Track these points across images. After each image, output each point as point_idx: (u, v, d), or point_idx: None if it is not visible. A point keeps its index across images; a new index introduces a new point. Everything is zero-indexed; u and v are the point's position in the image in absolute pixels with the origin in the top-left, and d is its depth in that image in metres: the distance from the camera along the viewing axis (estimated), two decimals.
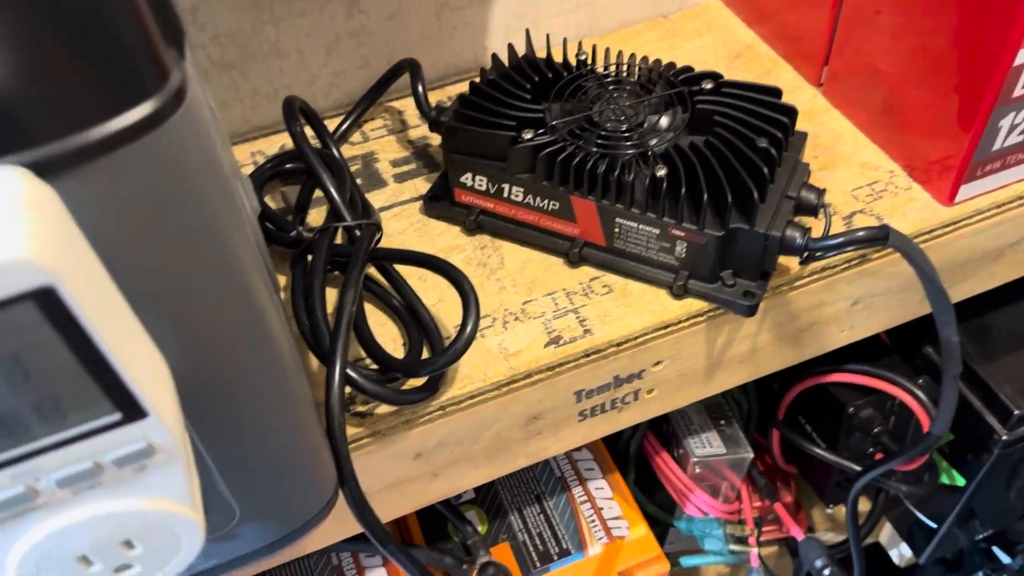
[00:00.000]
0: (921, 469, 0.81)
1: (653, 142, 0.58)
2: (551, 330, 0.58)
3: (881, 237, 0.55)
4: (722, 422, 0.76)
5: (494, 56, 0.64)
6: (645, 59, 0.63)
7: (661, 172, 0.55)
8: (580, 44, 0.64)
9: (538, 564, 0.70)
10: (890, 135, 0.67)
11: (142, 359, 0.25)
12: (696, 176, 0.55)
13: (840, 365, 0.75)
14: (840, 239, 0.55)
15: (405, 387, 0.55)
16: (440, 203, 0.64)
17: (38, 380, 0.24)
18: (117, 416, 0.26)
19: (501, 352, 0.57)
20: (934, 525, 0.86)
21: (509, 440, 0.60)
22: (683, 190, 0.55)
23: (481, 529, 0.73)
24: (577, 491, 0.74)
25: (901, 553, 0.96)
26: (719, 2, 0.81)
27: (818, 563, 0.70)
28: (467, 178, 0.61)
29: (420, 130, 0.72)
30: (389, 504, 0.60)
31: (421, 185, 0.68)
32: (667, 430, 0.78)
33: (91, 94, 0.25)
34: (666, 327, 0.58)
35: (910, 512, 0.89)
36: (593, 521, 0.72)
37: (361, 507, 0.46)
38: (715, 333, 0.61)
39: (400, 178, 0.69)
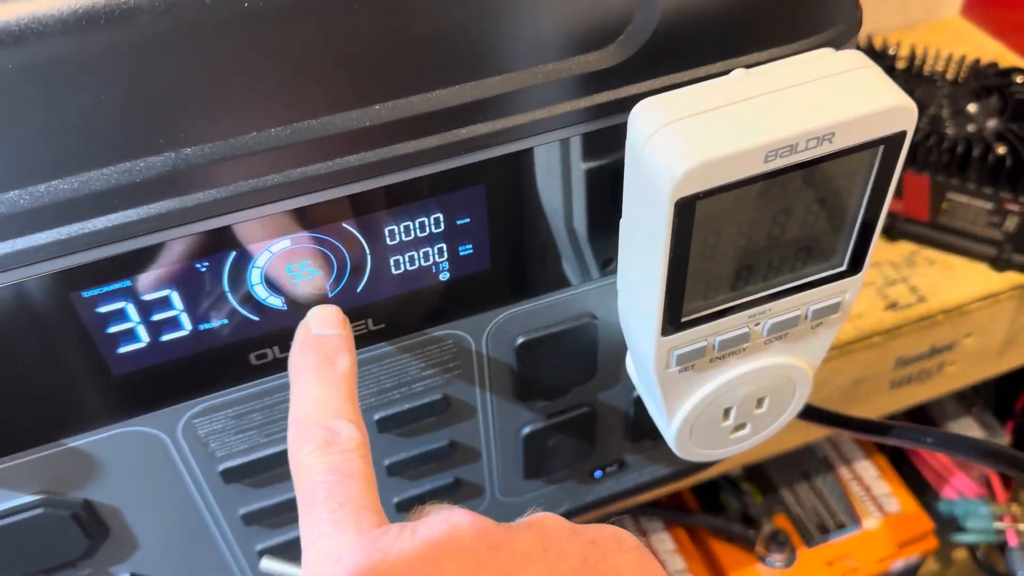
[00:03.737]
0: None
1: (973, 126, 0.63)
2: (886, 296, 0.62)
3: None
4: (974, 409, 0.80)
5: None
6: (950, 55, 0.68)
7: (1001, 150, 0.60)
8: (884, 39, 0.69)
9: (816, 535, 0.73)
10: None
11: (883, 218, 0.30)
12: None
13: None
14: None
15: None
16: None
17: (819, 226, 0.29)
18: (841, 268, 0.30)
19: None
20: None
21: (830, 403, 0.64)
22: None
23: (757, 499, 0.76)
24: (843, 470, 0.78)
25: None
26: (959, 16, 0.86)
27: None
28: None
29: None
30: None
31: None
32: (922, 416, 0.81)
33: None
34: (988, 297, 0.62)
35: None
36: (864, 498, 0.75)
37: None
38: (1021, 308, 0.65)
39: None
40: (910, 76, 0.67)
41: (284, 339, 0.31)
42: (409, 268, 0.31)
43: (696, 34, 0.28)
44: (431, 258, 0.31)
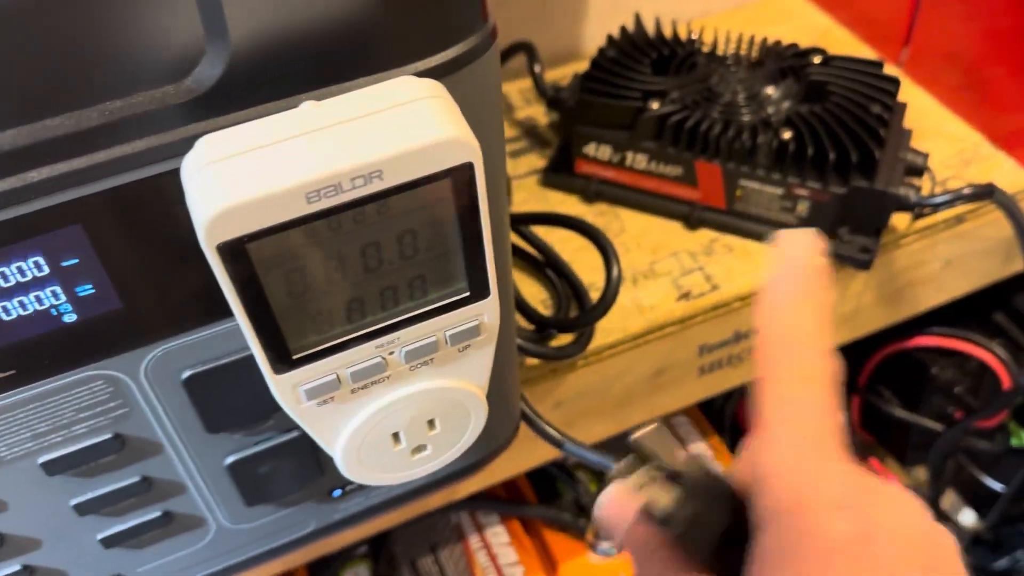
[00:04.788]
0: (993, 431, 0.85)
1: (770, 110, 0.63)
2: (680, 286, 0.62)
3: (986, 193, 0.60)
4: None
5: (609, 36, 0.69)
6: (752, 37, 0.68)
7: (787, 135, 0.60)
8: (688, 25, 0.69)
9: None
10: (972, 108, 0.72)
11: (490, 244, 0.29)
12: (820, 139, 0.59)
13: (922, 329, 0.79)
14: (949, 195, 0.60)
15: (556, 342, 0.58)
16: (560, 174, 0.68)
17: (421, 256, 0.28)
18: (466, 294, 0.30)
19: (636, 307, 0.61)
20: (1000, 488, 0.91)
21: (635, 393, 0.64)
22: (810, 151, 0.59)
23: (591, 487, 0.76)
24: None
25: (961, 521, 1.00)
26: None
27: None
28: (590, 148, 0.65)
29: (526, 111, 0.76)
30: (525, 452, 0.63)
31: (535, 160, 0.72)
32: None
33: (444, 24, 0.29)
34: None
35: (974, 479, 0.94)
36: None
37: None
38: None
39: (515, 154, 0.72)
40: (711, 61, 0.67)
41: None
42: (23, 312, 0.30)
43: (281, 66, 0.27)
44: (47, 301, 0.30)
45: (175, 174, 0.28)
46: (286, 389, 0.29)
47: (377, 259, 0.27)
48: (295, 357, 0.29)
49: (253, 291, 0.26)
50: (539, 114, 0.76)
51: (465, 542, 0.73)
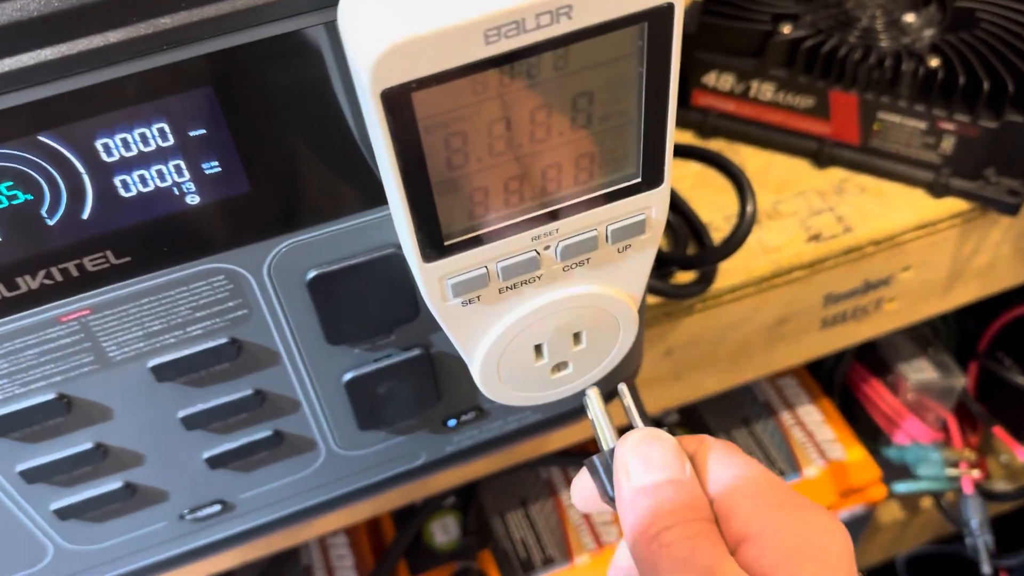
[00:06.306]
0: None
1: (909, 38, 0.57)
2: (809, 227, 0.57)
3: None
4: (930, 349, 0.75)
5: None
6: None
7: (935, 63, 0.54)
8: None
9: None
10: None
11: (673, 118, 0.25)
12: (972, 67, 0.54)
13: None
14: None
15: (676, 281, 0.54)
16: None
17: (595, 127, 0.24)
18: (637, 180, 0.26)
19: (761, 247, 0.56)
20: None
21: (752, 344, 0.60)
22: (961, 80, 0.54)
23: None
24: (785, 416, 0.73)
25: None
26: None
27: None
28: (710, 78, 0.61)
29: None
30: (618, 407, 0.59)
31: None
32: (873, 358, 0.76)
33: None
34: (924, 226, 0.57)
35: None
36: (805, 444, 0.71)
37: None
38: (965, 238, 0.60)
39: None
40: None
41: (8, 275, 0.27)
42: (143, 189, 0.27)
43: None
44: (169, 177, 0.27)
45: (324, 28, 0.24)
46: (433, 281, 0.26)
47: (547, 127, 0.24)
48: (447, 243, 0.25)
49: (413, 155, 0.22)
50: None
51: (556, 497, 0.70)
